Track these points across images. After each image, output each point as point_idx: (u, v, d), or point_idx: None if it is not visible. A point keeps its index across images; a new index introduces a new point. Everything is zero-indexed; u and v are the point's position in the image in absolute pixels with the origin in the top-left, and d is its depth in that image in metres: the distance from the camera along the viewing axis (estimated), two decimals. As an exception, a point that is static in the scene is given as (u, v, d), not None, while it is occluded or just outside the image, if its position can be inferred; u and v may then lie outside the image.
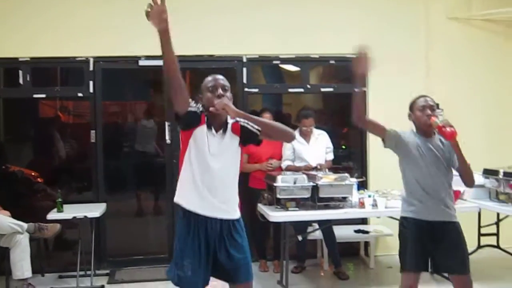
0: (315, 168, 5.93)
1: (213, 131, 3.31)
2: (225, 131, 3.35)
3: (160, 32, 2.94)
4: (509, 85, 7.27)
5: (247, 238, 3.46)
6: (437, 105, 6.86)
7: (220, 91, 3.29)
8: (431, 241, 3.75)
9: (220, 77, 3.39)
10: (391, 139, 3.79)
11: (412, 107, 3.92)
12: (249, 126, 3.37)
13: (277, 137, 3.84)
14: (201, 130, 3.29)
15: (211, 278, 3.40)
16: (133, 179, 7.82)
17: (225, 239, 3.33)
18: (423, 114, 3.80)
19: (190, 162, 3.30)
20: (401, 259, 3.95)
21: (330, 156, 6.21)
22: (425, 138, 3.81)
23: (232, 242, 3.34)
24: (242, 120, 3.37)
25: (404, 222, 3.90)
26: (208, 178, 3.28)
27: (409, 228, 3.84)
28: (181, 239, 3.33)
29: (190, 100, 3.22)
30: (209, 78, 3.39)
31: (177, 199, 3.39)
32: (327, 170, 5.89)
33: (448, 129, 3.55)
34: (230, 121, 3.39)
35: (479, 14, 7.07)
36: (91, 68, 6.55)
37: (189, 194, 3.32)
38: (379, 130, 3.83)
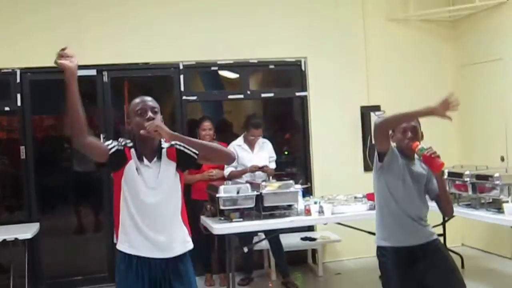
0: (262, 168, 5.78)
1: (146, 161, 3.04)
2: (159, 157, 3.07)
3: (69, 75, 2.71)
4: (445, 83, 7.30)
5: (193, 271, 3.19)
6: (379, 106, 6.92)
7: (150, 113, 3.02)
8: (417, 265, 3.46)
9: (148, 98, 3.11)
10: (390, 155, 3.45)
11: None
12: (186, 150, 3.08)
13: (216, 160, 3.53)
14: (131, 166, 3.01)
15: None
16: (69, 196, 7.45)
17: (170, 279, 3.04)
18: (404, 137, 3.47)
19: (126, 202, 3.02)
20: None
21: (273, 165, 6.06)
22: (409, 161, 3.53)
23: (178, 279, 3.06)
24: (178, 143, 3.09)
25: (382, 252, 3.56)
26: (148, 215, 3.01)
27: (389, 258, 3.50)
28: (122, 280, 3.05)
29: (104, 144, 2.98)
30: (137, 100, 3.10)
31: (119, 245, 3.08)
32: (270, 178, 5.73)
33: (435, 160, 3.28)
34: (165, 145, 3.11)
35: (416, 15, 7.09)
36: (18, 80, 6.21)
37: (131, 237, 3.03)
38: (387, 143, 3.46)
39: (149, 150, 3.06)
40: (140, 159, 3.03)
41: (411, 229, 3.48)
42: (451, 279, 3.51)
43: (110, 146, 2.99)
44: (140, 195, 3.00)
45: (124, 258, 3.06)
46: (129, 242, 3.04)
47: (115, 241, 3.13)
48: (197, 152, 3.09)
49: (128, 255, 3.05)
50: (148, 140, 3.03)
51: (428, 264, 3.47)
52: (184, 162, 3.12)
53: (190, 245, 3.17)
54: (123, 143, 3.04)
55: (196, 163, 3.15)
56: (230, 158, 3.33)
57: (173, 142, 3.10)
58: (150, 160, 3.05)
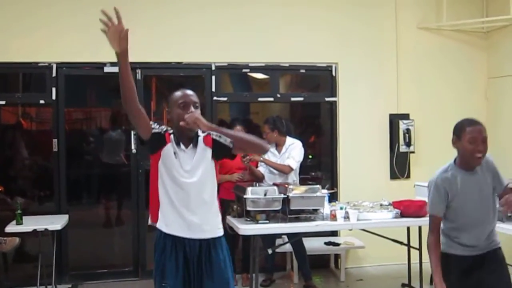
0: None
1: (182, 146, 3.20)
2: (196, 144, 3.24)
3: (118, 54, 2.77)
4: (476, 94, 7.26)
5: (228, 256, 3.34)
6: (408, 115, 6.92)
7: (192, 108, 3.18)
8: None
9: (190, 92, 3.26)
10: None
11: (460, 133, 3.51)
12: (221, 140, 3.25)
13: (250, 150, 3.68)
14: (168, 150, 3.18)
15: None
16: (98, 189, 7.58)
17: (203, 261, 3.21)
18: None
19: (164, 184, 3.21)
20: None
21: (288, 162, 5.86)
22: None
23: (211, 263, 3.22)
24: (214, 133, 3.25)
25: None
26: (184, 196, 3.18)
27: None
28: (160, 260, 3.22)
29: (151, 123, 3.13)
30: (179, 93, 3.24)
31: (158, 223, 3.27)
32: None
33: None
34: (201, 134, 3.28)
35: (449, 24, 7.06)
36: (54, 74, 6.33)
37: (168, 217, 3.21)
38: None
39: (186, 138, 3.22)
40: (177, 144, 3.19)
41: None
42: None
43: (153, 126, 3.14)
44: (176, 176, 3.16)
45: (161, 236, 3.23)
46: (165, 221, 3.22)
47: (149, 222, 3.27)
48: (232, 141, 3.24)
49: (164, 233, 3.21)
50: (185, 130, 3.17)
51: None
52: (219, 151, 3.29)
53: (221, 232, 3.31)
54: (164, 129, 3.20)
55: (231, 153, 3.33)
56: (263, 149, 3.47)
57: (209, 132, 3.25)
58: (186, 146, 3.21)
